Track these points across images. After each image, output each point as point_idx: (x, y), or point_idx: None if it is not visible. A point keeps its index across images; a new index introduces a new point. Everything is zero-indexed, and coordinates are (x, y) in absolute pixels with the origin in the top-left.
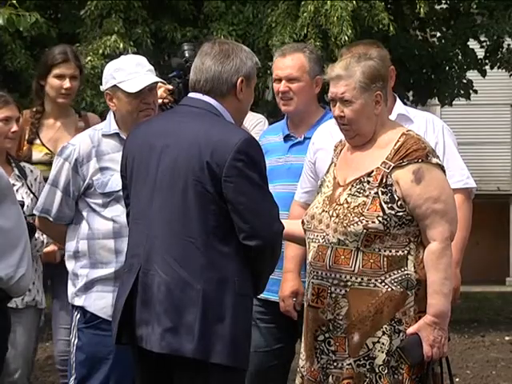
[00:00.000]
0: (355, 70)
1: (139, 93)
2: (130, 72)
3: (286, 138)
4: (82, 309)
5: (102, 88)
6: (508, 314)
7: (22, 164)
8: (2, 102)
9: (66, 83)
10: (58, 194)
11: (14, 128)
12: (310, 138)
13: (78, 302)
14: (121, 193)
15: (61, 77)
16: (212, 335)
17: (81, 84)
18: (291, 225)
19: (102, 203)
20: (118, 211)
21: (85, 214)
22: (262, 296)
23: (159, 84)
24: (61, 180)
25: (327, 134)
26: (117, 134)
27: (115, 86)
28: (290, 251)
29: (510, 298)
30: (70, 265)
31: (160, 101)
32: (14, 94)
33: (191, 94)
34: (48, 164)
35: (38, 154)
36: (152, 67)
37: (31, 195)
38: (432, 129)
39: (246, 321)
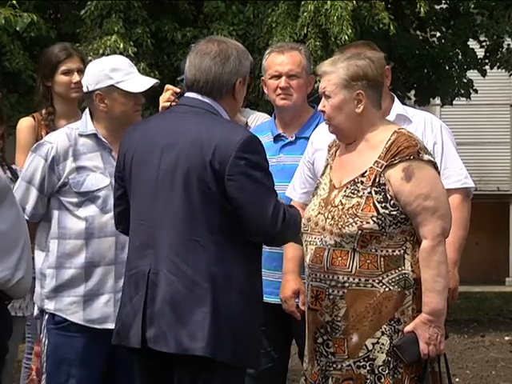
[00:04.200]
0: (339, 66)
1: (137, 93)
2: (127, 72)
3: (277, 138)
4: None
5: (89, 88)
6: (508, 314)
7: (14, 167)
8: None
9: (75, 77)
10: (34, 192)
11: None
12: (301, 138)
13: (48, 305)
14: (96, 193)
15: (68, 72)
16: (220, 333)
17: None
18: None
19: (76, 202)
20: (92, 211)
21: (56, 212)
22: None
23: (166, 87)
24: (36, 178)
25: (325, 135)
26: (94, 134)
27: (111, 86)
28: (289, 252)
29: (510, 298)
30: (38, 264)
31: (167, 104)
32: (14, 94)
33: (189, 94)
34: None
35: None
36: None
37: None
38: (430, 128)
39: (253, 320)
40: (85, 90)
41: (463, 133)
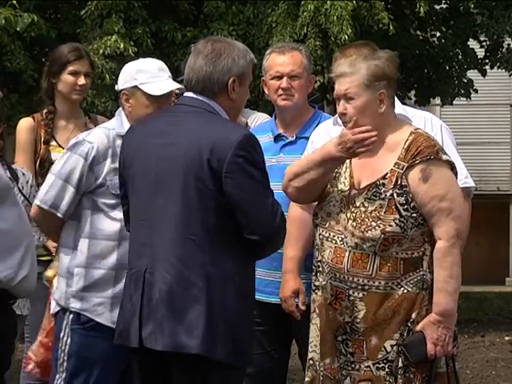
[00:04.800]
0: (360, 67)
1: (159, 97)
2: (153, 75)
3: (277, 137)
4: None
5: (118, 87)
6: (508, 314)
7: (14, 166)
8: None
9: (81, 80)
10: (71, 191)
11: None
12: (302, 138)
13: (74, 304)
14: None
15: (75, 74)
16: (215, 332)
17: (92, 81)
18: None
19: (112, 204)
20: None
21: (88, 212)
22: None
23: None
24: (74, 177)
25: (325, 134)
26: None
27: (135, 86)
28: (289, 252)
29: (510, 298)
30: (65, 261)
31: None
32: (14, 94)
33: (186, 94)
34: None
35: (56, 154)
36: (170, 74)
37: (22, 198)
38: (430, 128)
39: (248, 319)
40: (116, 88)
41: (463, 133)
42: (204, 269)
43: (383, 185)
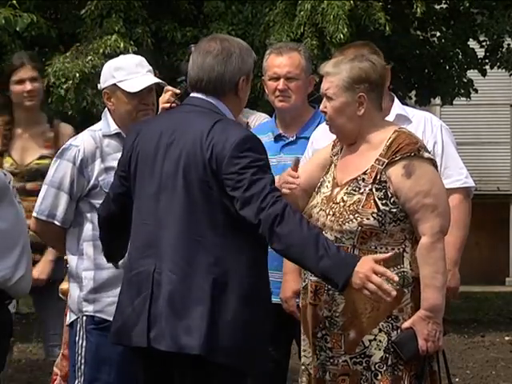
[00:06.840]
0: (343, 68)
1: (139, 93)
2: (130, 72)
3: (277, 137)
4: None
5: (100, 86)
6: (508, 314)
7: None
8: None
9: (27, 86)
10: (65, 197)
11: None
12: (302, 138)
13: (87, 308)
14: None
15: (20, 81)
16: (217, 334)
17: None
18: None
19: None
20: None
21: (88, 215)
22: None
23: (166, 88)
24: (65, 182)
25: (325, 135)
26: (118, 133)
27: (114, 84)
28: None
29: (510, 298)
30: (73, 267)
31: (167, 105)
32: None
33: (193, 94)
34: (13, 175)
35: (5, 164)
36: (151, 68)
37: None
38: (430, 128)
39: (255, 321)
40: (98, 88)
41: (463, 133)
42: (209, 270)
43: (363, 180)
